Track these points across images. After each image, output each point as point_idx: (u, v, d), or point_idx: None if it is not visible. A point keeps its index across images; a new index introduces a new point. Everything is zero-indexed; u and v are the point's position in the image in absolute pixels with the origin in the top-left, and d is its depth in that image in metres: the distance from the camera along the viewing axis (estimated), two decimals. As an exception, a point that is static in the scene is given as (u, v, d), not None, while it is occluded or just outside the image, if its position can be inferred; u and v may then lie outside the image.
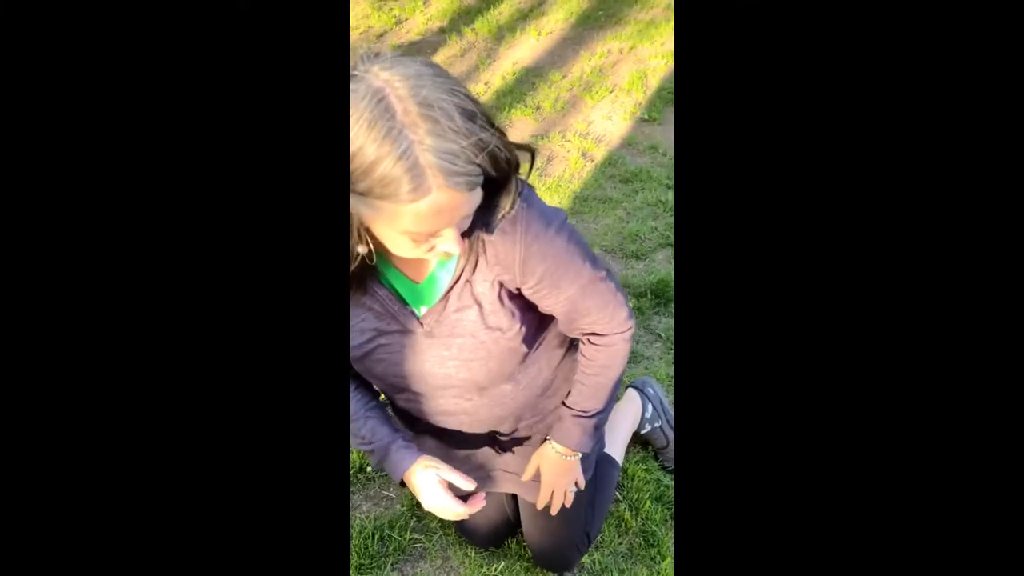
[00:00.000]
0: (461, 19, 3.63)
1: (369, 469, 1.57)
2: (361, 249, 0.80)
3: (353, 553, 1.39)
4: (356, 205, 0.73)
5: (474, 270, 0.89)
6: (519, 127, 2.83)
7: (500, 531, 1.37)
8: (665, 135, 2.75)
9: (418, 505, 1.50)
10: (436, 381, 1.00)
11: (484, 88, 3.09)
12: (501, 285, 0.91)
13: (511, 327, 0.94)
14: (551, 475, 1.13)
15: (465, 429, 1.10)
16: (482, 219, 0.83)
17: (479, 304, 0.91)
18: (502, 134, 0.75)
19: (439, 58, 3.30)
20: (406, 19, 3.65)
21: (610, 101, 2.96)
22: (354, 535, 1.42)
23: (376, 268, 0.90)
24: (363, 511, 1.49)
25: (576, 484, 1.16)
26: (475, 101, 0.72)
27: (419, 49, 3.37)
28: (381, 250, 0.84)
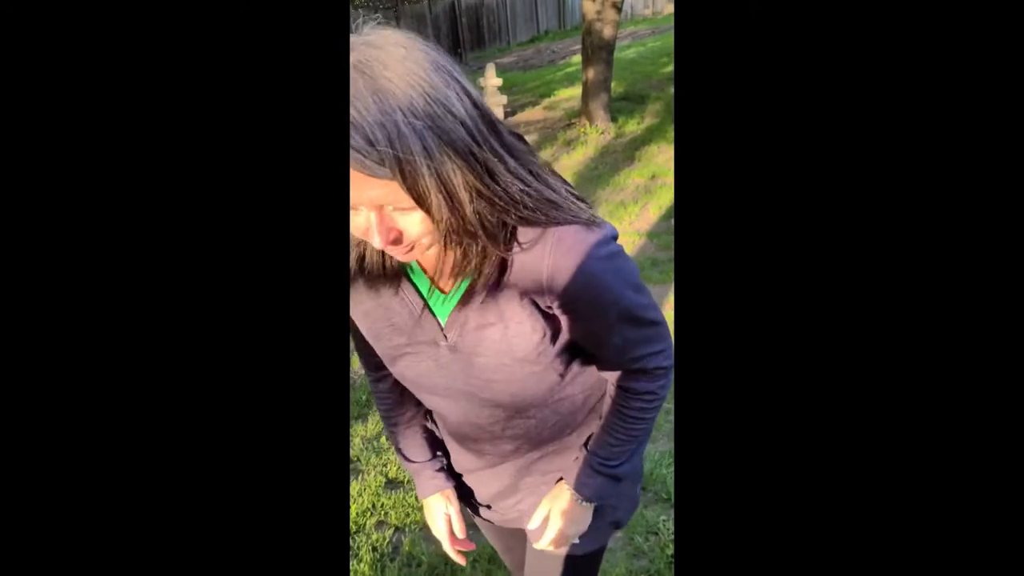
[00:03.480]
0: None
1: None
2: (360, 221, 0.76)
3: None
4: None
5: (498, 283, 0.82)
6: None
7: None
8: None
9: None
10: (459, 396, 0.95)
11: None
12: (533, 303, 0.83)
13: (539, 352, 0.86)
14: (562, 521, 1.06)
15: (487, 447, 1.05)
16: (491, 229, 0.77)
17: (504, 323, 0.84)
18: (482, 166, 0.69)
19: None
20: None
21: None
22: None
23: (406, 268, 0.87)
24: None
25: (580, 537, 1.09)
26: (444, 107, 0.65)
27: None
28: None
